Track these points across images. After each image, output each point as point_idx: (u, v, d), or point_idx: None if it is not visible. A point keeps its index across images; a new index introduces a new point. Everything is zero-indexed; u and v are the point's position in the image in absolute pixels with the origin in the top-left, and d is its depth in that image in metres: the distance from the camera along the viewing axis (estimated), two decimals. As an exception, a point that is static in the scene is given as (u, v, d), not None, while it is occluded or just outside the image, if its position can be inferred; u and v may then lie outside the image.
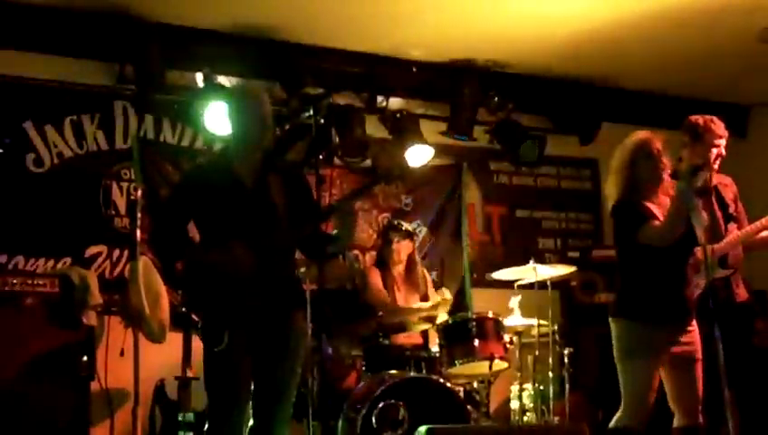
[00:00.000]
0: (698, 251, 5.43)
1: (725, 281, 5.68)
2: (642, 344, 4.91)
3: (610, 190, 5.15)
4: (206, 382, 4.61)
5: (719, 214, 5.14)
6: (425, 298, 7.12)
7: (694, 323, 5.02)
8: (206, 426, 4.70)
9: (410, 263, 7.13)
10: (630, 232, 4.95)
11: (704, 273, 5.35)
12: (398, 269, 7.08)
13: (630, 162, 5.08)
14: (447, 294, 7.14)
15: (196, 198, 4.64)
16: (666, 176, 5.01)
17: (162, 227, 4.77)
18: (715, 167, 5.72)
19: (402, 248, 7.05)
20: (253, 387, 4.62)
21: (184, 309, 5.76)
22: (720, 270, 5.62)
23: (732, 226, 5.74)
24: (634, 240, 4.93)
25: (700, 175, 4.84)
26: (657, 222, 4.91)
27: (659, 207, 5.00)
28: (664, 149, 5.07)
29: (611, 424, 5.03)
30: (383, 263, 7.11)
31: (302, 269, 5.28)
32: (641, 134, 5.18)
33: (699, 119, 5.73)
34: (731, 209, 5.79)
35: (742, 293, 5.77)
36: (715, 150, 5.68)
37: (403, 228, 7.09)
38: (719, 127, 5.69)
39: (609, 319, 5.07)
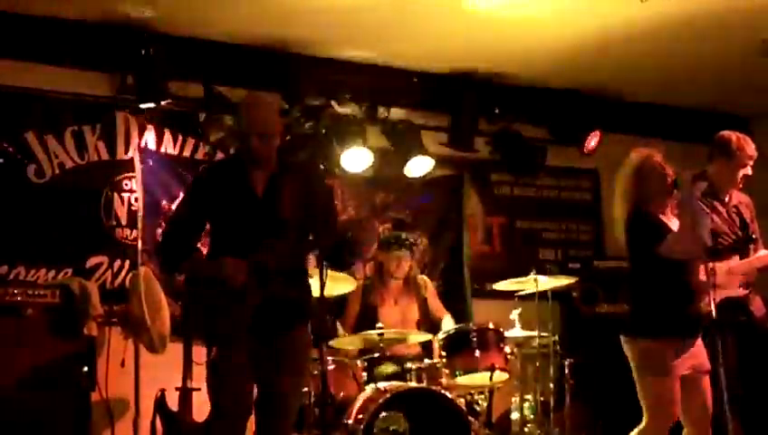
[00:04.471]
0: (716, 267, 5.46)
1: (742, 300, 5.68)
2: (659, 360, 4.93)
3: (619, 211, 5.15)
4: (209, 392, 4.65)
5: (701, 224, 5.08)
6: (423, 305, 7.12)
7: (700, 336, 5.03)
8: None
9: (409, 272, 7.12)
10: (649, 246, 4.94)
11: (718, 289, 5.39)
12: (398, 283, 7.07)
13: (637, 179, 5.08)
14: (449, 323, 7.09)
15: (208, 199, 4.67)
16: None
17: (172, 234, 4.79)
18: (740, 186, 5.75)
19: (405, 261, 7.04)
20: (256, 398, 4.64)
21: (181, 319, 5.77)
22: (736, 289, 5.62)
23: (754, 247, 5.74)
24: (653, 254, 4.92)
25: (700, 184, 4.85)
26: (671, 236, 4.92)
27: (670, 221, 5.02)
28: (666, 163, 5.08)
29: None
30: (382, 275, 7.09)
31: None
32: (643, 151, 5.19)
33: (732, 136, 5.73)
34: (750, 230, 5.79)
35: (758, 309, 5.76)
36: (742, 170, 5.69)
37: (405, 244, 7.07)
38: (750, 147, 5.70)
39: (622, 338, 5.08)
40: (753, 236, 5.74)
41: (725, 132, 5.80)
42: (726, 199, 5.80)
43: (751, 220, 5.84)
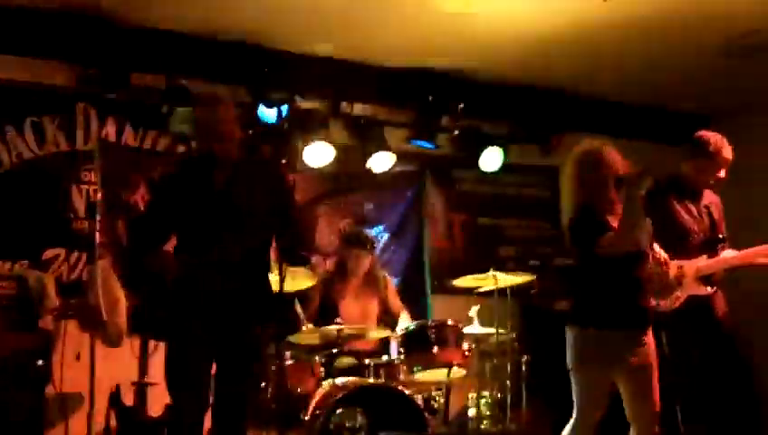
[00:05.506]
0: (685, 265, 5.49)
1: (706, 298, 5.71)
2: (596, 352, 4.92)
3: (565, 202, 5.15)
4: (167, 386, 4.67)
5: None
6: (383, 301, 7.11)
7: (649, 332, 5.04)
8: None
9: (370, 269, 7.11)
10: (588, 242, 4.94)
11: (684, 286, 5.42)
12: (359, 278, 7.06)
13: (582, 172, 5.07)
14: (406, 320, 7.07)
15: (171, 201, 4.72)
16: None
17: (138, 239, 4.86)
18: (713, 186, 5.79)
19: (365, 259, 7.02)
20: (213, 393, 4.66)
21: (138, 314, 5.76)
22: (702, 288, 5.66)
23: (722, 247, 5.78)
24: (592, 250, 4.93)
25: (645, 181, 4.86)
26: (612, 232, 4.91)
27: (614, 216, 5.01)
28: (616, 157, 5.06)
29: (564, 433, 5.06)
30: (343, 272, 7.07)
31: None
32: (591, 143, 5.16)
33: (711, 137, 5.75)
34: (719, 229, 5.83)
35: (720, 308, 5.79)
36: (717, 172, 5.73)
37: (367, 243, 7.04)
38: (728, 150, 5.73)
39: (566, 330, 5.09)
40: (721, 236, 5.79)
41: (705, 132, 5.82)
42: (698, 199, 5.83)
43: (719, 220, 5.87)
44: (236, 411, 4.67)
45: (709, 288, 5.69)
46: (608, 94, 8.71)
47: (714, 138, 5.76)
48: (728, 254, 5.78)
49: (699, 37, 7.33)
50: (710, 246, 5.76)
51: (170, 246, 4.86)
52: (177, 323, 4.60)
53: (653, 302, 5.15)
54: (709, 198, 5.89)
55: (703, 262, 5.69)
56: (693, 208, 5.80)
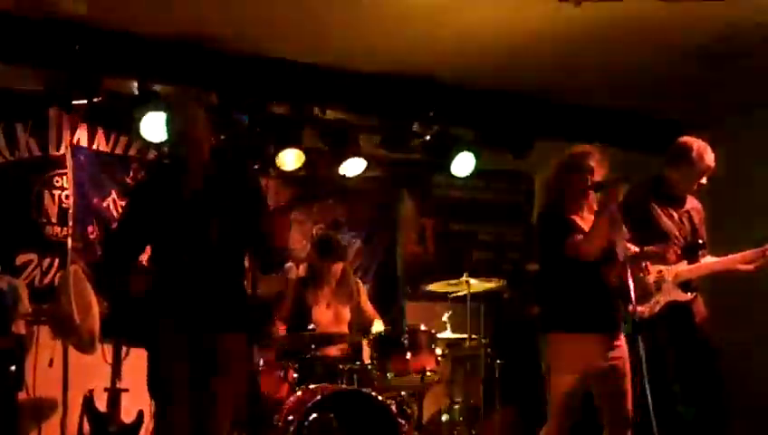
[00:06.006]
0: (665, 270, 5.52)
1: (686, 304, 5.75)
2: (568, 358, 4.95)
3: (539, 203, 5.19)
4: (149, 391, 4.67)
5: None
6: (356, 308, 7.12)
7: (621, 337, 5.07)
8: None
9: (342, 276, 7.11)
10: (556, 244, 4.96)
11: (664, 292, 5.45)
12: (331, 286, 7.05)
13: (560, 175, 5.10)
14: (379, 326, 7.07)
15: (145, 213, 4.69)
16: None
17: (113, 251, 4.85)
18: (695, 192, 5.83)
19: (337, 268, 7.02)
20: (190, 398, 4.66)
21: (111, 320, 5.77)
22: (682, 293, 5.69)
23: (702, 252, 5.82)
24: (560, 252, 4.94)
25: (621, 188, 4.88)
26: (580, 235, 4.93)
27: (585, 221, 5.03)
28: (599, 164, 5.08)
29: None
30: (316, 278, 7.06)
31: None
32: (577, 148, 5.19)
33: (694, 144, 5.75)
34: (699, 234, 5.87)
35: (699, 313, 5.82)
36: (699, 179, 5.76)
37: (339, 251, 7.05)
38: (710, 156, 5.74)
39: (540, 337, 5.11)
40: (701, 242, 5.82)
41: (688, 139, 5.82)
42: (680, 204, 5.86)
43: (700, 226, 5.90)
44: (212, 418, 4.67)
45: (689, 294, 5.72)
46: (580, 99, 8.73)
47: (696, 144, 5.76)
48: (709, 260, 5.81)
49: (672, 42, 7.35)
50: (691, 252, 5.77)
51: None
52: (152, 329, 4.59)
53: (631, 307, 5.15)
54: (691, 203, 5.91)
55: (683, 267, 5.72)
56: (674, 214, 5.81)
